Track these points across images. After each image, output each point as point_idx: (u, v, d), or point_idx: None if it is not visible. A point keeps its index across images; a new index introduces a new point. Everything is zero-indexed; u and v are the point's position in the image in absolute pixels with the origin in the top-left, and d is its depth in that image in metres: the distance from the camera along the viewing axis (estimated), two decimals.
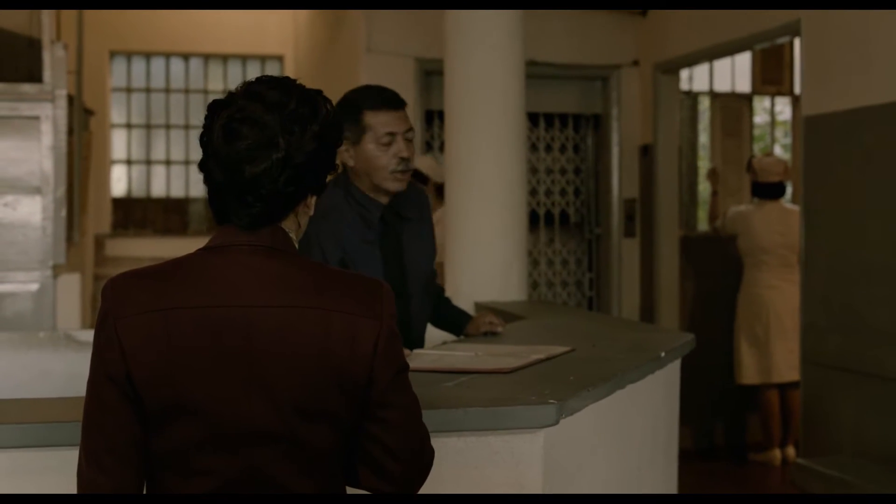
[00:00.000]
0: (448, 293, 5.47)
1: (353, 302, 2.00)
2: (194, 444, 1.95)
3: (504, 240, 5.37)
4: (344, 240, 3.60)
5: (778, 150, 10.37)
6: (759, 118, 10.05)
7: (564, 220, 8.58)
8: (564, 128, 8.57)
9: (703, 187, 9.38)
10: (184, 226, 11.68)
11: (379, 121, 3.59)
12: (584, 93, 8.51)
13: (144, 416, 1.97)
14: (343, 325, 1.97)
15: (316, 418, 1.97)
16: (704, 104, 9.18)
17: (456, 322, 4.01)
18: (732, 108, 9.19)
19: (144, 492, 2.03)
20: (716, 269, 8.28)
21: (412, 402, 2.09)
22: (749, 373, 7.50)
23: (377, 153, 3.59)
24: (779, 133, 10.30)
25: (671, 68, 8.19)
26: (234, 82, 11.44)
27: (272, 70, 11.66)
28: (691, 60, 8.07)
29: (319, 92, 2.09)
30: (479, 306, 5.21)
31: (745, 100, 9.36)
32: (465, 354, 3.36)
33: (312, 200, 2.11)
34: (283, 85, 2.04)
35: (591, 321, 4.85)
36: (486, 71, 5.38)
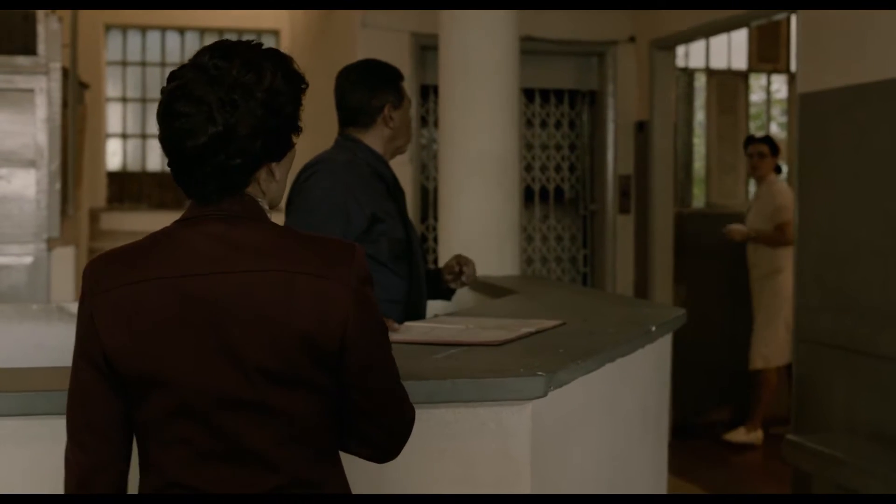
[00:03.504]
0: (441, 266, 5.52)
1: (321, 264, 1.97)
2: (168, 414, 1.95)
3: (498, 215, 5.37)
4: (376, 201, 3.70)
5: (774, 129, 10.37)
6: (756, 96, 10.03)
7: (559, 196, 8.56)
8: (560, 104, 8.55)
9: (699, 165, 9.37)
10: (179, 200, 11.64)
11: (405, 90, 3.86)
12: (581, 69, 8.49)
13: (125, 390, 1.98)
14: (308, 288, 1.95)
15: (288, 384, 1.95)
16: (700, 81, 9.16)
17: (436, 283, 4.02)
18: (728, 85, 9.18)
19: (131, 465, 2.05)
20: (710, 245, 8.29)
21: (389, 364, 2.07)
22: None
23: (409, 119, 3.87)
24: (776, 111, 10.30)
25: (667, 45, 8.17)
26: None
27: (269, 44, 11.61)
28: (687, 37, 8.06)
29: (272, 53, 2.03)
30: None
31: (742, 77, 9.34)
32: (455, 327, 3.37)
33: (277, 166, 2.05)
34: (229, 52, 1.98)
35: (583, 296, 4.86)
36: (480, 47, 5.38)
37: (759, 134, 8.24)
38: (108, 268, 1.99)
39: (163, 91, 1.99)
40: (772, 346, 7.75)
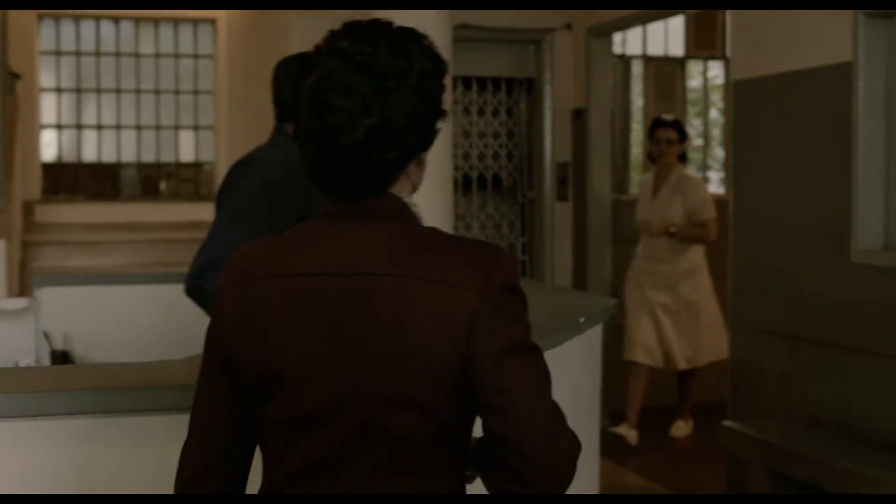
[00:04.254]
0: None
1: (453, 270, 1.78)
2: (280, 420, 1.85)
3: (430, 206, 5.29)
4: (306, 201, 3.63)
5: (714, 114, 10.39)
6: (696, 82, 10.05)
7: (497, 183, 8.55)
8: (498, 91, 8.54)
9: (636, 151, 9.38)
10: (116, 191, 11.53)
11: None
12: (517, 57, 8.48)
13: (244, 389, 1.89)
14: (432, 297, 1.77)
15: (399, 404, 1.78)
16: (638, 68, 9.16)
17: None
18: (666, 71, 9.19)
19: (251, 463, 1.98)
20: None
21: (530, 386, 1.79)
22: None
23: None
24: (716, 97, 10.32)
25: (604, 32, 8.18)
26: (165, 46, 11.39)
27: (205, 34, 11.54)
28: (624, 24, 8.07)
29: (411, 33, 1.87)
30: None
31: (679, 63, 9.35)
32: None
33: (426, 155, 1.91)
34: (370, 35, 1.82)
35: (533, 285, 4.82)
36: None
37: (668, 117, 7.57)
38: (245, 261, 1.91)
39: (299, 79, 1.85)
40: (697, 348, 7.32)
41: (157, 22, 11.54)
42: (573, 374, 3.54)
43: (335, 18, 6.29)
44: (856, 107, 5.06)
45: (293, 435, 1.84)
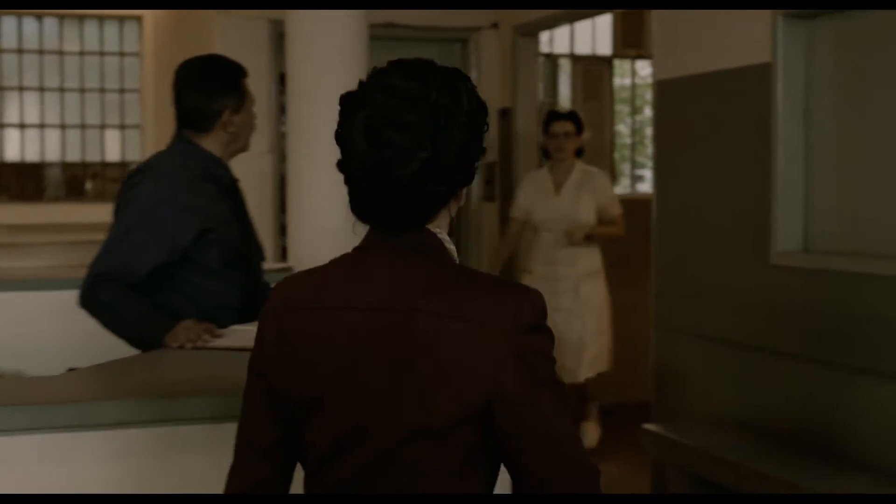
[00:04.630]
0: (290, 263, 5.37)
1: (480, 310, 1.83)
2: (314, 445, 1.92)
3: (344, 206, 5.22)
4: (207, 210, 3.53)
5: (649, 113, 10.37)
6: (628, 80, 10.04)
7: None
8: None
9: None
10: (39, 192, 11.31)
11: (249, 88, 3.68)
12: (443, 56, 8.37)
13: (284, 413, 1.96)
14: (459, 335, 1.82)
15: (426, 438, 1.83)
16: (565, 67, 9.12)
17: None
18: (593, 71, 9.15)
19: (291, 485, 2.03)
20: None
21: (551, 425, 1.85)
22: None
23: (251, 118, 3.68)
24: (650, 96, 10.31)
25: (530, 31, 8.12)
26: (90, 43, 11.19)
27: (131, 32, 11.36)
28: (550, 23, 8.02)
29: (458, 73, 1.95)
30: None
31: (606, 63, 9.32)
32: None
33: (464, 192, 1.98)
34: (421, 73, 1.90)
35: None
36: (327, 33, 5.21)
37: (564, 109, 7.27)
38: (289, 289, 1.99)
39: (349, 113, 1.91)
40: (579, 362, 6.98)
41: (81, 19, 11.35)
42: None
43: (256, 18, 6.22)
44: (775, 108, 5.05)
45: (325, 459, 1.91)
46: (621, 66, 9.67)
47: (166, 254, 3.44)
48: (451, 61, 8.31)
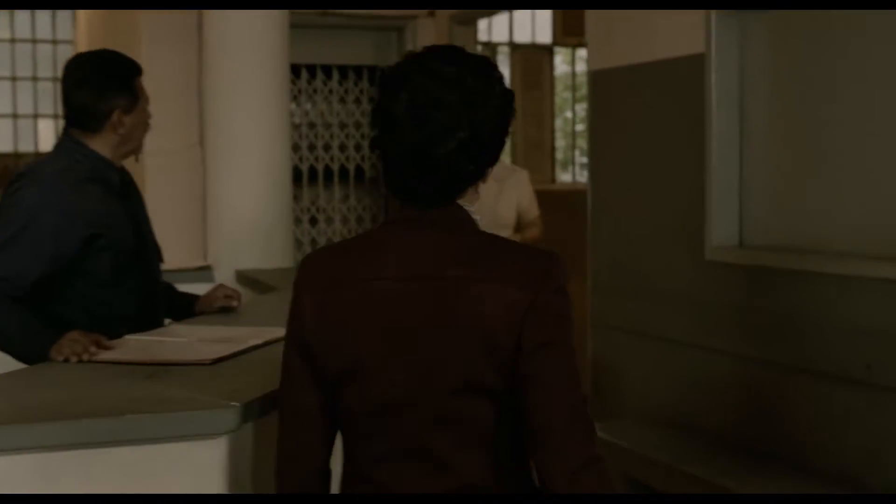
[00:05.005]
0: (209, 261, 5.19)
1: (512, 274, 1.98)
2: (360, 410, 2.05)
3: (265, 202, 5.05)
4: (94, 214, 3.33)
5: None
6: (570, 68, 9.90)
7: (359, 175, 8.31)
8: (359, 80, 8.30)
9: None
10: None
11: (142, 87, 3.49)
12: (379, 44, 8.25)
13: (324, 379, 2.08)
14: (496, 298, 1.96)
15: (469, 391, 1.98)
16: (504, 55, 8.96)
17: (184, 306, 3.71)
18: (533, 59, 9.00)
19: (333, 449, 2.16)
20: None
21: (563, 377, 1.99)
22: None
23: (144, 118, 3.50)
24: None
25: (467, 19, 7.97)
26: (22, 31, 10.90)
27: (64, 20, 11.10)
28: (488, 11, 7.85)
29: (488, 60, 2.09)
30: (241, 275, 4.91)
31: (546, 51, 9.17)
32: (178, 341, 3.09)
33: (490, 170, 2.09)
34: (457, 58, 2.03)
35: None
36: (241, 23, 5.02)
37: None
38: (320, 265, 2.11)
39: (390, 93, 2.02)
40: None
41: (13, 42, 11.07)
42: None
43: (186, 13, 5.98)
44: (708, 99, 4.92)
45: (375, 422, 2.03)
46: (563, 55, 9.51)
47: (52, 262, 3.24)
48: (386, 50, 8.22)
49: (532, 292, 1.96)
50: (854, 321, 4.22)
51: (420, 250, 2.01)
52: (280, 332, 3.13)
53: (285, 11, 5.15)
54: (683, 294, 5.09)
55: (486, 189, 5.78)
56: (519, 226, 6.51)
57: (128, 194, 3.52)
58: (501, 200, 6.37)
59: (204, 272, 5.03)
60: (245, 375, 2.65)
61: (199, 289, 3.94)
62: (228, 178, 5.07)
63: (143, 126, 3.49)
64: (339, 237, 8.26)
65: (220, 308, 3.64)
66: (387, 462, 2.04)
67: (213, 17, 5.08)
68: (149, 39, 7.56)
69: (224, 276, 4.99)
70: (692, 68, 4.98)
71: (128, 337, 3.16)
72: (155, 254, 3.61)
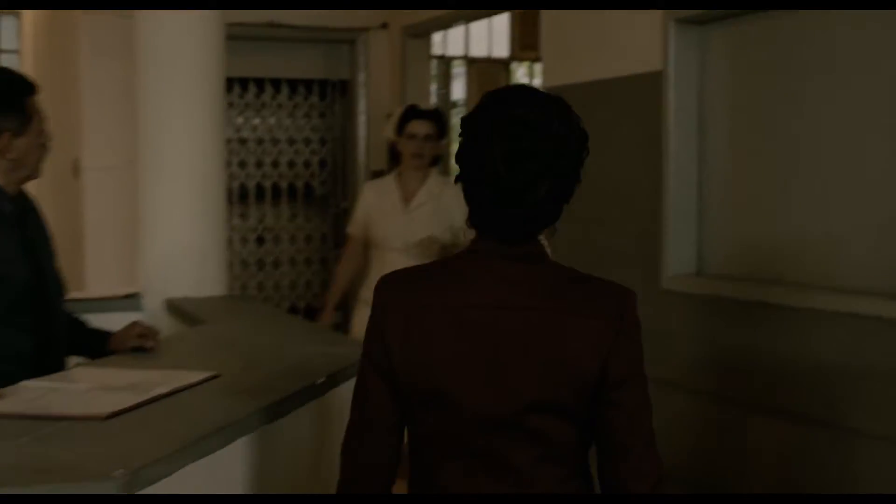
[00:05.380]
0: (138, 288, 4.89)
1: (595, 306, 2.11)
2: (441, 429, 2.13)
3: (197, 226, 4.75)
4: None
5: None
6: (528, 83, 9.65)
7: (309, 193, 8.05)
8: (310, 94, 8.04)
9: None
10: None
11: (37, 107, 3.25)
12: (330, 57, 7.99)
13: (403, 401, 2.16)
14: (580, 328, 2.08)
15: (551, 413, 2.08)
16: (460, 70, 8.70)
17: (93, 345, 3.43)
18: (489, 73, 8.75)
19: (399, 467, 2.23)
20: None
21: (641, 405, 2.14)
22: None
23: (40, 140, 3.24)
24: None
25: (421, 32, 7.73)
26: None
27: (9, 28, 10.77)
28: (443, 24, 7.62)
29: (564, 102, 2.15)
30: (171, 304, 4.62)
31: (503, 65, 8.93)
32: (77, 388, 2.80)
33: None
34: (541, 103, 2.11)
35: (273, 327, 4.18)
36: (173, 35, 4.72)
37: (425, 106, 5.87)
38: (402, 288, 2.18)
39: (481, 138, 2.08)
40: None
41: None
42: (301, 450, 3.03)
43: (124, 16, 5.69)
44: (666, 119, 4.75)
45: (457, 440, 2.12)
46: (520, 69, 9.27)
47: None
48: (338, 63, 7.95)
49: (615, 325, 2.09)
50: (818, 358, 4.02)
51: (506, 282, 2.11)
52: (193, 376, 2.90)
53: (221, 22, 4.86)
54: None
55: (416, 208, 5.45)
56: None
57: (24, 223, 3.24)
58: (435, 222, 5.51)
59: (131, 300, 4.74)
60: (142, 432, 2.36)
61: (127, 318, 3.66)
62: (159, 199, 4.77)
63: (40, 149, 3.21)
64: (287, 258, 8.00)
65: (134, 348, 3.35)
66: (467, 475, 2.14)
67: (145, 28, 4.78)
68: (89, 51, 7.30)
69: (153, 304, 4.71)
70: (649, 86, 4.80)
71: (23, 383, 2.86)
72: (57, 288, 3.32)
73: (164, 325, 4.46)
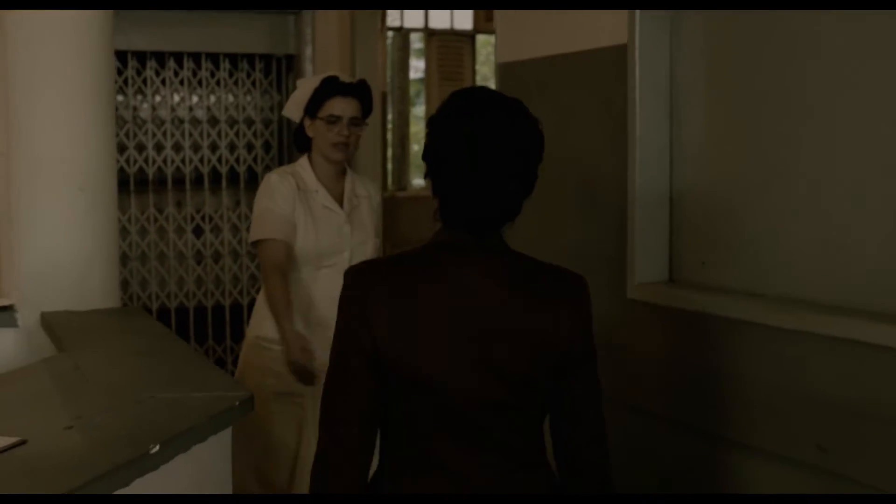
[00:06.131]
0: (12, 300, 4.23)
1: (560, 291, 2.41)
2: (429, 409, 2.32)
3: (80, 230, 4.10)
4: None
5: None
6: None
7: (252, 178, 7.45)
8: (252, 71, 7.51)
9: (416, 139, 8.31)
10: None
11: None
12: (275, 30, 7.43)
13: (384, 385, 2.32)
14: (551, 312, 2.36)
15: (528, 387, 2.36)
16: (418, 43, 8.08)
17: None
18: (452, 47, 8.13)
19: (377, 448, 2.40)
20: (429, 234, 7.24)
21: (595, 376, 2.47)
22: None
23: None
24: None
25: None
26: None
27: None
28: None
29: (527, 110, 2.38)
30: (45, 320, 3.96)
31: (468, 38, 8.31)
32: None
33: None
34: (507, 106, 2.34)
35: (139, 360, 3.45)
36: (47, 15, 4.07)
37: (349, 79, 4.53)
38: (381, 277, 2.35)
39: (453, 136, 2.32)
40: None
41: None
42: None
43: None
44: (632, 101, 4.15)
45: (438, 419, 2.33)
46: (485, 43, 8.64)
47: None
48: (282, 35, 7.26)
49: (579, 308, 2.41)
50: (804, 388, 3.48)
51: (481, 271, 2.33)
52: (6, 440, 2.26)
53: (108, 15, 4.20)
54: (601, 337, 4.22)
55: (359, 209, 4.69)
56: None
57: None
58: (370, 225, 4.69)
59: (4, 314, 4.08)
60: None
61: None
62: (33, 196, 4.12)
63: None
64: (229, 250, 7.39)
65: None
66: (457, 448, 2.33)
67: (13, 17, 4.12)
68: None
69: (31, 319, 4.06)
70: (613, 62, 4.26)
71: None
72: None
73: (41, 344, 3.81)
